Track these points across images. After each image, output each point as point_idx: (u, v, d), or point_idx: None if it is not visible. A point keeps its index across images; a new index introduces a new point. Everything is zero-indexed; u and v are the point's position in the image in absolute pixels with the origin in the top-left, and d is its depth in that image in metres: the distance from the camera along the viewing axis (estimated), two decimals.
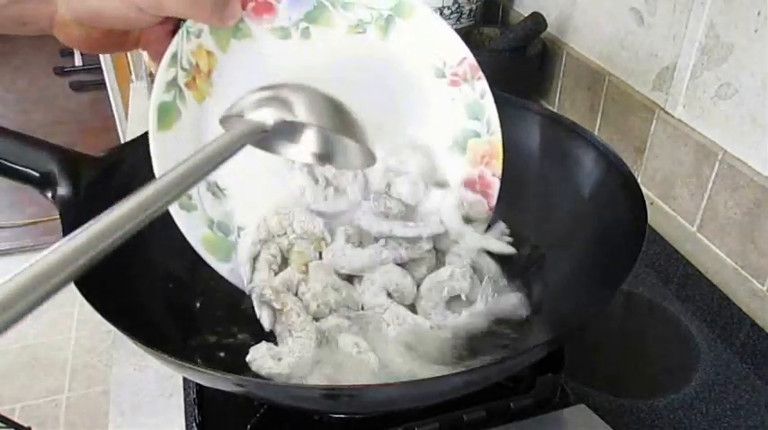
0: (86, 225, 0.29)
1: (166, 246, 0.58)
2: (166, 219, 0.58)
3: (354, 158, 0.47)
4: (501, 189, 0.57)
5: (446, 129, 0.56)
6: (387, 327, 0.50)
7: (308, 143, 0.46)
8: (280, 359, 0.47)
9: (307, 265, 0.53)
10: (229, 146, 0.38)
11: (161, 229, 0.57)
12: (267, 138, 0.44)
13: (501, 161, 0.56)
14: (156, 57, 0.48)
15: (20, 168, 0.47)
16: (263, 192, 0.54)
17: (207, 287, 0.57)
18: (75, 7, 0.42)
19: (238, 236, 0.54)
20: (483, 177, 0.56)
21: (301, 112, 0.41)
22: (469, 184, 0.57)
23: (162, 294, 0.55)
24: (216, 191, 0.53)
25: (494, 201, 0.57)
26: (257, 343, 0.48)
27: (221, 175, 0.52)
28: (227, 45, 0.50)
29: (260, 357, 0.47)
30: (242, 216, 0.54)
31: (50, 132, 2.40)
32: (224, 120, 0.42)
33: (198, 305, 0.55)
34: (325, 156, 0.47)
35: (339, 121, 0.43)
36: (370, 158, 0.46)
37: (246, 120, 0.40)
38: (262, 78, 0.43)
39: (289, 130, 0.45)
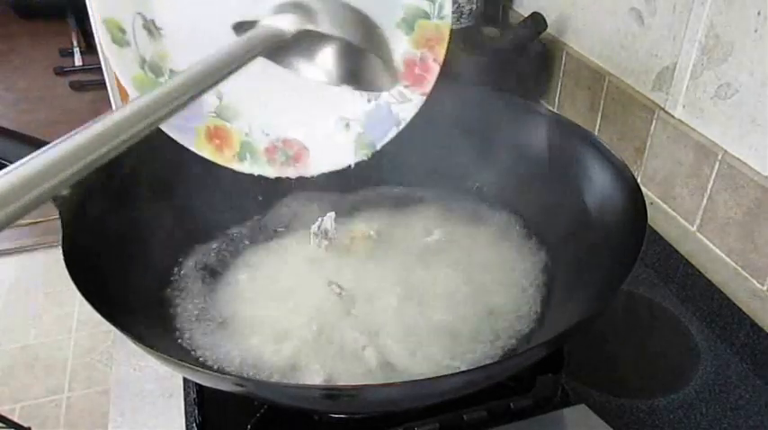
0: (86, 126, 0.27)
1: (167, 247, 0.58)
2: (167, 220, 0.59)
3: (377, 78, 0.43)
4: (501, 190, 0.57)
5: (397, 4, 0.54)
6: None
7: (327, 59, 0.42)
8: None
9: None
10: (241, 53, 0.34)
11: (162, 229, 0.58)
12: (283, 50, 0.40)
13: (444, 48, 0.55)
14: None
15: None
16: (203, 36, 0.51)
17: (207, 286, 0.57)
18: None
19: (169, 79, 0.52)
20: (424, 61, 0.55)
21: (325, 23, 0.37)
22: (410, 64, 0.56)
23: (162, 294, 0.55)
24: (152, 29, 0.51)
25: (429, 87, 0.56)
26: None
27: (160, 13, 0.51)
28: None
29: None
30: (177, 60, 0.52)
31: (50, 132, 2.39)
32: (238, 27, 0.38)
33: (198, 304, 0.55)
34: (344, 76, 0.43)
35: (365, 35, 0.39)
36: (393, 78, 0.42)
37: (264, 26, 0.36)
38: None
39: (307, 43, 0.41)
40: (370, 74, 0.43)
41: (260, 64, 0.53)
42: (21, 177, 0.23)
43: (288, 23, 0.36)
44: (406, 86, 0.56)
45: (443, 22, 0.54)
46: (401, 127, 0.57)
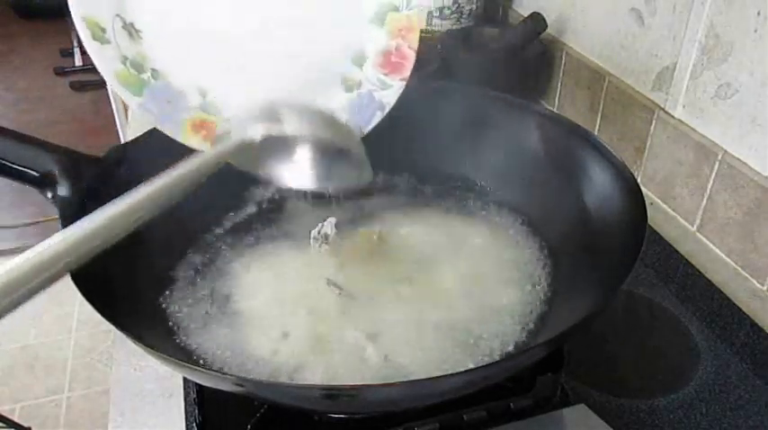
0: (61, 233, 0.30)
1: (167, 246, 0.58)
2: (167, 221, 0.58)
3: (350, 173, 0.46)
4: (501, 190, 0.57)
5: (368, 2, 0.58)
6: None
7: (303, 160, 0.46)
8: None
9: None
10: (212, 161, 0.38)
11: (162, 230, 0.58)
12: (261, 159, 0.43)
13: (417, 35, 0.59)
14: None
15: (20, 168, 0.47)
16: (182, 41, 0.55)
17: (207, 286, 0.57)
18: None
19: (152, 76, 0.54)
20: (400, 49, 0.59)
21: (291, 125, 0.41)
22: (387, 54, 0.59)
23: (163, 294, 0.55)
24: (132, 31, 0.53)
25: (407, 72, 0.59)
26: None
27: (139, 18, 0.53)
28: None
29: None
30: (157, 60, 0.54)
31: (50, 132, 2.39)
32: (217, 140, 0.42)
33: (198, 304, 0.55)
34: (321, 176, 0.46)
35: (331, 132, 0.42)
36: (366, 172, 0.45)
37: (233, 137, 0.40)
38: None
39: (281, 149, 0.44)
40: (344, 170, 0.46)
41: (243, 59, 0.56)
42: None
43: (255, 131, 0.40)
44: (385, 74, 0.60)
45: (413, 12, 0.59)
46: (386, 111, 0.60)
